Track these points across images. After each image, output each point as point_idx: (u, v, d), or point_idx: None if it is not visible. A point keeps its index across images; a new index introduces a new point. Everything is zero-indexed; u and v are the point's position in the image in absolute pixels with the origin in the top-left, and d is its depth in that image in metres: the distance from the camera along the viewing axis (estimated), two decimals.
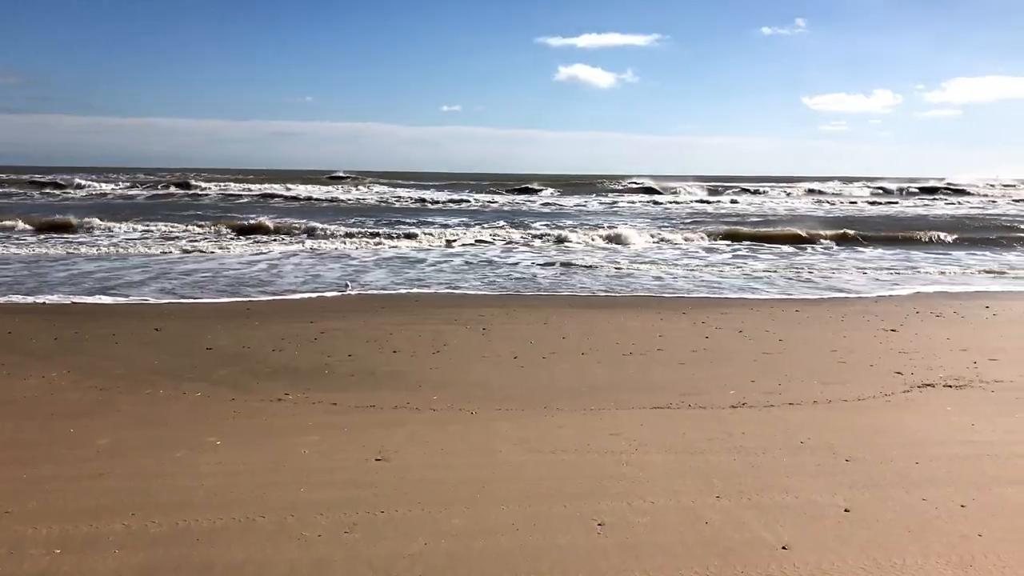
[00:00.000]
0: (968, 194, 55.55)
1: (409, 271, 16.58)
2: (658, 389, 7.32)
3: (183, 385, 7.41)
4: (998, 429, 6.00)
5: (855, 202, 47.71)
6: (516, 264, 18.01)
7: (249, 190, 45.59)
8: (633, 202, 44.41)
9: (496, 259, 19.03)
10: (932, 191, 55.61)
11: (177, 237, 22.21)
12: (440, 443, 5.68)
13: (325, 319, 11.08)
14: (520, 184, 56.36)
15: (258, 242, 21.26)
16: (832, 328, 10.66)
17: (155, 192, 46.39)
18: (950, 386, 7.40)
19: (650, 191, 52.06)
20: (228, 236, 22.66)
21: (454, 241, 22.33)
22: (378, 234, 23.22)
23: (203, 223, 25.47)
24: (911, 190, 56.63)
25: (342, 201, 41.29)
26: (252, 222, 26.06)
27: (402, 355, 8.81)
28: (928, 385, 7.44)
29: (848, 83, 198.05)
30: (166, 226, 24.37)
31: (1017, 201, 49.03)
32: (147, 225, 24.51)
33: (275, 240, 21.69)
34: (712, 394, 7.12)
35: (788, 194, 54.30)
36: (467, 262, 18.13)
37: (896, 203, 47.65)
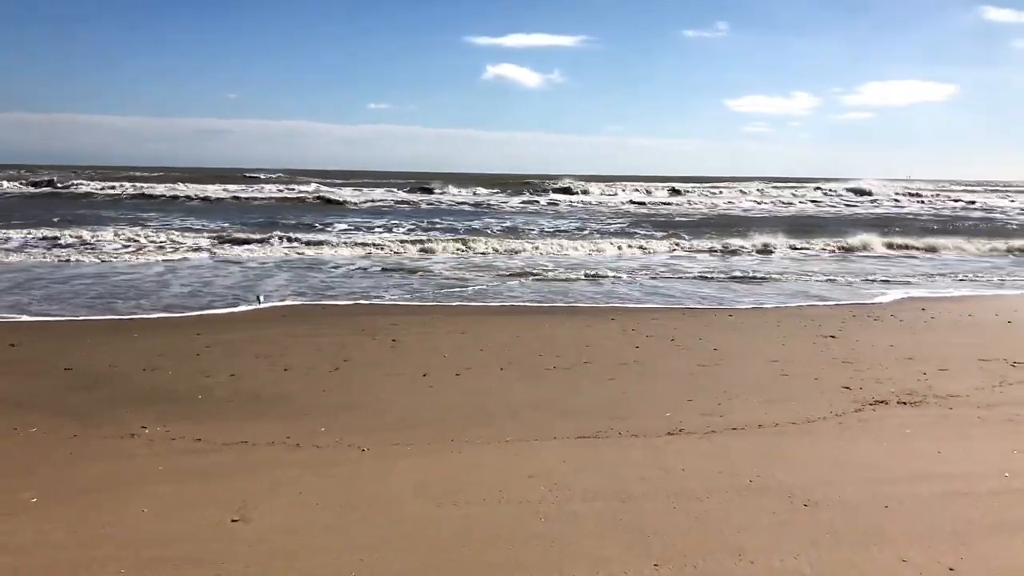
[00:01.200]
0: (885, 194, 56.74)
1: (319, 276, 15.33)
2: (584, 412, 6.41)
3: (20, 417, 6.16)
4: (967, 458, 5.27)
5: (792, 203, 47.64)
6: (438, 269, 16.96)
7: (151, 190, 42.67)
8: (557, 201, 43.56)
9: (416, 263, 17.92)
10: (860, 192, 56.42)
11: (60, 241, 20.15)
12: (317, 494, 4.62)
13: (215, 331, 9.85)
14: (447, 183, 55.13)
15: (155, 246, 19.46)
16: (768, 335, 9.97)
17: (55, 190, 43.36)
18: (904, 403, 6.70)
19: (568, 191, 51.19)
20: (122, 238, 20.74)
21: (373, 244, 21.03)
22: (289, 236, 21.61)
23: (99, 226, 23.51)
24: (840, 191, 57.46)
25: (256, 200, 39.17)
26: (153, 224, 24.24)
27: (294, 373, 7.69)
28: (881, 402, 6.72)
29: (768, 86, 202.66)
30: (52, 228, 22.32)
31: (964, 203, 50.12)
32: (36, 228, 22.37)
33: (174, 243, 19.82)
34: (645, 417, 6.24)
35: (743, 193, 54.10)
36: (384, 267, 16.95)
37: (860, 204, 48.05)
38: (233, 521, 4.22)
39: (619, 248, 21.30)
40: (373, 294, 13.09)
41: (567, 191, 50.90)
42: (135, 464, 5.13)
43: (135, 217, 28.15)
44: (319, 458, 5.28)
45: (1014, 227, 30.61)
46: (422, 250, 20.00)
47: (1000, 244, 22.98)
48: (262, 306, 11.70)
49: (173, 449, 5.44)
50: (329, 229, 24.60)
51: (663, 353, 8.83)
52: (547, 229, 26.95)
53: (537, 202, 42.93)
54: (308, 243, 20.38)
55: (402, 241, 21.52)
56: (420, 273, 15.88)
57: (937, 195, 56.07)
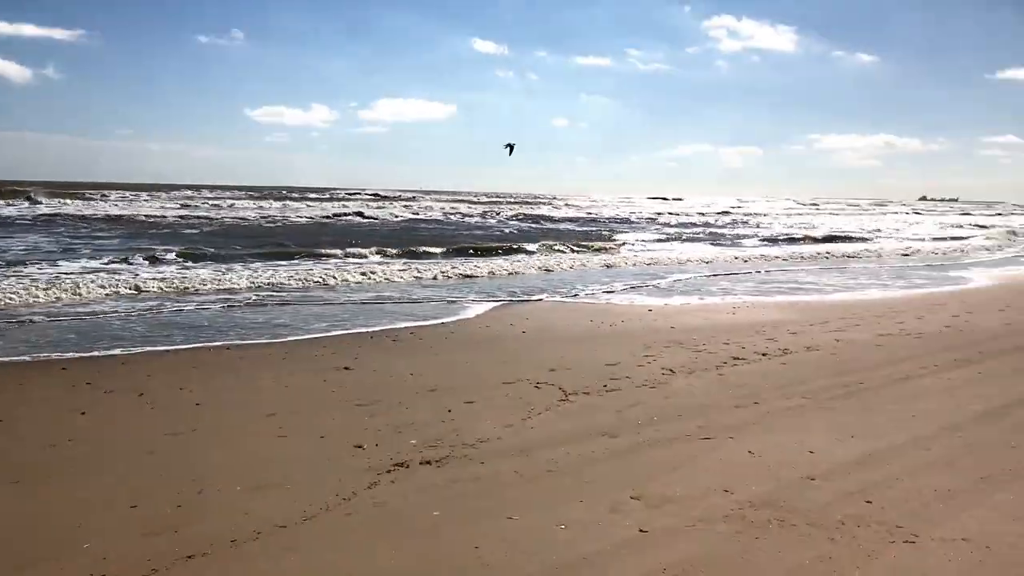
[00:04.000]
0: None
1: None
2: None
3: None
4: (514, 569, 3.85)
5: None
6: None
7: None
8: (36, 212, 36.16)
9: None
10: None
11: None
12: None
13: None
14: None
15: None
16: (269, 373, 7.97)
17: None
18: (428, 462, 5.24)
19: (30, 199, 43.06)
20: None
21: None
22: None
23: None
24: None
25: None
26: None
27: None
28: (401, 465, 5.16)
29: (288, 97, 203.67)
30: None
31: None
32: None
33: None
34: (44, 568, 3.75)
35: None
36: None
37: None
38: None
39: (107, 268, 17.37)
40: None
41: (31, 199, 42.69)
42: None
43: None
44: None
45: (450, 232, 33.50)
46: None
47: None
48: None
49: None
50: None
51: (121, 420, 6.32)
52: (23, 247, 21.35)
53: (12, 213, 35.09)
54: None
55: None
56: None
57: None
